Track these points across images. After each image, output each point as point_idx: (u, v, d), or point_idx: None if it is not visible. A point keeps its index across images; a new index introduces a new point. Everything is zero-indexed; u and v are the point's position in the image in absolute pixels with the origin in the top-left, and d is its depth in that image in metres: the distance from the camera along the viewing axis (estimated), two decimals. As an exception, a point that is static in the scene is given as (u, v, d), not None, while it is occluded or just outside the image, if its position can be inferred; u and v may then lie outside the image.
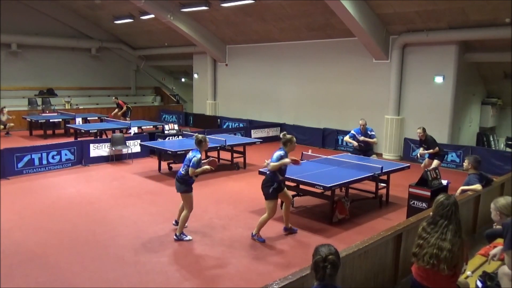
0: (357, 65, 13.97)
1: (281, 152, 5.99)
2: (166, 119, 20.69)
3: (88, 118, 16.43)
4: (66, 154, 10.69)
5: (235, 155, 11.25)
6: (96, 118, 16.81)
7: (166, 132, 12.35)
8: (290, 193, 7.68)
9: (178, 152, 9.69)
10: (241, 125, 16.66)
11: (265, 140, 14.62)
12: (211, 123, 18.10)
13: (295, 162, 6.27)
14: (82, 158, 10.98)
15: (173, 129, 12.60)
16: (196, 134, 6.63)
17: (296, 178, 7.10)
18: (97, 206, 7.71)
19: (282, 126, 16.20)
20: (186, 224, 6.26)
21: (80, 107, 20.03)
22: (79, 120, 15.88)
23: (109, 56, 22.55)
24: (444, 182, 6.98)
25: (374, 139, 9.83)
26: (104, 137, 13.48)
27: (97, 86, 21.96)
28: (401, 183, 9.33)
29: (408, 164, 8.90)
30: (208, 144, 6.53)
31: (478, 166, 6.36)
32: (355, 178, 7.27)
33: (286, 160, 5.97)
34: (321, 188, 6.72)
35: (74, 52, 20.99)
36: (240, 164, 11.09)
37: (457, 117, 12.53)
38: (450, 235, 3.24)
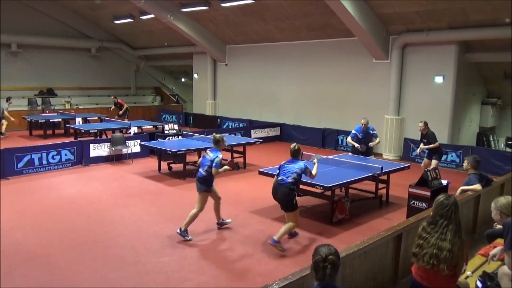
0: (357, 65, 13.97)
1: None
2: (166, 119, 20.69)
3: (88, 118, 16.43)
4: (66, 154, 10.69)
5: (235, 155, 11.24)
6: (96, 118, 16.80)
7: (166, 132, 12.35)
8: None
9: (178, 152, 9.69)
10: (241, 125, 16.66)
11: (265, 140, 14.62)
12: (211, 123, 18.10)
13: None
14: (82, 158, 10.98)
15: (173, 129, 12.60)
16: (214, 133, 6.75)
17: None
18: (97, 206, 7.71)
19: (282, 126, 16.20)
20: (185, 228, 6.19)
21: (80, 107, 20.02)
22: (79, 120, 15.87)
23: (109, 56, 22.55)
24: (444, 182, 6.98)
25: (377, 139, 9.89)
26: (104, 137, 13.48)
27: (97, 86, 21.96)
28: (401, 183, 9.32)
29: (408, 164, 8.90)
30: (226, 144, 6.64)
31: (478, 166, 6.36)
32: (355, 178, 7.27)
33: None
34: (321, 188, 6.72)
35: (74, 52, 20.98)
36: (240, 164, 11.09)
37: (457, 117, 12.53)
38: (450, 235, 3.24)
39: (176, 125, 13.25)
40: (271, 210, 7.58)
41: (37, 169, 10.12)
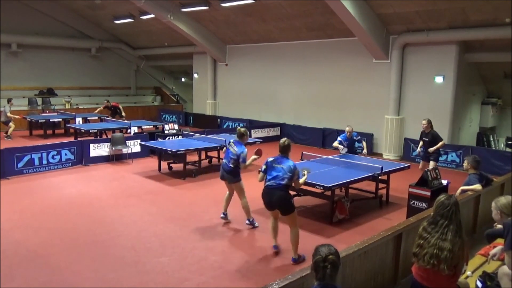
0: (357, 65, 13.97)
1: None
2: (166, 119, 20.69)
3: (88, 118, 16.43)
4: (66, 154, 10.69)
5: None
6: (96, 118, 16.79)
7: (166, 132, 12.36)
8: (290, 193, 7.72)
9: (178, 152, 9.69)
10: (241, 125, 16.63)
11: (265, 140, 14.60)
12: (211, 123, 18.10)
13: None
14: (82, 158, 10.98)
15: (173, 129, 12.60)
16: (238, 127, 6.99)
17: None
18: (97, 206, 7.71)
19: (282, 126, 16.20)
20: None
21: (80, 107, 20.02)
22: (79, 120, 15.87)
23: (109, 56, 22.55)
24: (444, 182, 6.98)
25: (364, 144, 9.69)
26: (104, 137, 13.48)
27: (97, 86, 21.96)
28: (401, 183, 9.33)
29: (408, 164, 8.90)
30: (248, 137, 6.86)
31: (478, 166, 6.36)
32: (355, 178, 7.27)
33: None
34: (321, 188, 6.72)
35: (74, 52, 20.98)
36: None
37: (457, 117, 12.53)
38: (450, 235, 3.24)
39: (176, 125, 13.25)
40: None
41: (37, 169, 10.12)
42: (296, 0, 12.88)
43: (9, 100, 15.50)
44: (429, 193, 6.50)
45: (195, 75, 20.63)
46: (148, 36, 20.42)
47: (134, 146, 11.88)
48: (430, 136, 8.93)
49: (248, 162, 6.33)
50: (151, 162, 11.42)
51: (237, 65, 18.23)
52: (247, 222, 6.70)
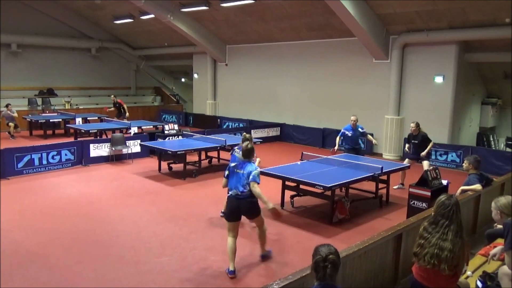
0: (357, 65, 13.97)
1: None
2: (166, 119, 20.70)
3: (88, 118, 16.42)
4: (66, 154, 10.69)
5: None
6: (96, 118, 16.79)
7: (166, 132, 12.35)
8: (290, 193, 7.73)
9: (178, 152, 9.69)
10: (241, 125, 16.66)
11: (265, 140, 14.61)
12: (211, 123, 18.10)
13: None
14: (82, 158, 10.98)
15: (173, 129, 12.60)
16: (244, 133, 7.06)
17: (296, 178, 7.11)
18: (97, 206, 7.71)
19: (282, 126, 16.20)
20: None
21: (80, 107, 20.02)
22: (79, 120, 15.87)
23: (109, 56, 22.55)
24: (444, 182, 6.98)
25: (370, 137, 10.00)
26: (104, 137, 13.48)
27: (97, 86, 21.96)
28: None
29: (408, 164, 8.89)
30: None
31: (478, 166, 6.35)
32: (355, 178, 7.27)
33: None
34: (321, 188, 6.71)
35: (74, 52, 20.98)
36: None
37: (457, 117, 12.53)
38: (451, 235, 3.24)
39: (176, 125, 13.25)
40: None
41: (37, 169, 10.11)
42: (296, 0, 12.88)
43: (7, 105, 15.36)
44: (429, 193, 6.50)
45: (195, 75, 20.63)
46: (148, 36, 20.42)
47: (134, 146, 11.88)
48: (419, 137, 9.01)
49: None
50: (151, 162, 11.42)
51: (237, 65, 18.23)
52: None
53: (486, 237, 5.14)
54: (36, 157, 10.09)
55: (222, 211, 6.77)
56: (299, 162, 8.61)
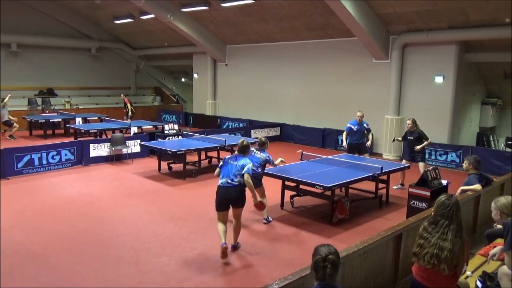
0: (357, 65, 13.97)
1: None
2: (166, 119, 20.69)
3: (88, 118, 16.43)
4: (66, 154, 10.68)
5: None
6: (96, 118, 16.80)
7: (166, 132, 12.35)
8: (290, 193, 7.73)
9: (178, 152, 9.69)
10: (241, 125, 16.66)
11: (265, 140, 14.59)
12: (211, 123, 18.09)
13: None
14: (82, 158, 10.98)
15: (173, 129, 12.60)
16: (260, 137, 7.63)
17: (296, 178, 7.11)
18: (97, 206, 7.71)
19: (282, 126, 16.20)
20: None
21: (80, 107, 20.03)
22: (79, 120, 15.87)
23: (109, 56, 22.55)
24: (444, 182, 6.98)
25: (370, 137, 10.16)
26: (104, 137, 13.48)
27: (97, 86, 21.96)
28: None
29: (408, 164, 8.89)
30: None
31: (478, 166, 6.35)
32: (355, 178, 7.27)
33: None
34: (321, 188, 6.71)
35: (74, 52, 20.98)
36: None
37: (457, 117, 12.53)
38: (451, 235, 3.24)
39: (176, 125, 13.25)
40: (271, 210, 7.58)
41: (37, 169, 10.11)
42: (296, 0, 12.88)
43: (1, 100, 15.21)
44: (429, 193, 6.50)
45: (195, 75, 20.63)
46: (148, 36, 20.42)
47: (134, 146, 11.87)
48: (415, 134, 9.05)
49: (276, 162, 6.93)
50: (151, 162, 11.42)
51: (237, 65, 18.23)
52: (264, 221, 6.94)
53: (486, 237, 5.14)
54: (36, 157, 10.09)
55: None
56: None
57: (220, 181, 5.54)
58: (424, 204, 6.49)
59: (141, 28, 19.30)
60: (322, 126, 14.90)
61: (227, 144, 10.34)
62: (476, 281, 3.85)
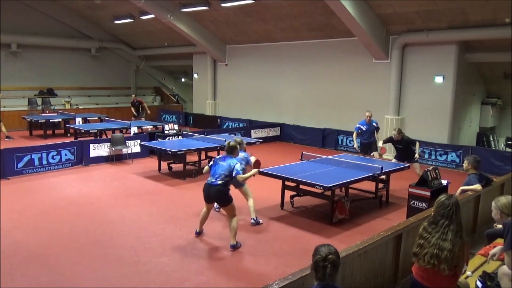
0: (357, 65, 13.97)
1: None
2: (166, 119, 20.69)
3: (88, 118, 16.42)
4: (66, 154, 10.68)
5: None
6: (96, 118, 16.80)
7: (166, 132, 12.35)
8: (290, 193, 7.73)
9: (178, 152, 9.69)
10: (241, 125, 16.66)
11: (265, 140, 14.62)
12: (211, 123, 18.10)
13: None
14: (82, 158, 10.98)
15: (173, 129, 12.60)
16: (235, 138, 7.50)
17: (296, 178, 7.11)
18: (97, 206, 7.71)
19: (282, 126, 16.20)
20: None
21: (80, 107, 20.02)
22: (79, 120, 15.86)
23: (109, 56, 22.54)
24: (444, 182, 6.98)
25: (378, 136, 10.07)
26: (104, 137, 13.48)
27: (97, 86, 21.95)
28: (401, 183, 9.33)
29: (408, 164, 8.89)
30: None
31: (478, 166, 6.35)
32: (355, 178, 7.27)
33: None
34: (321, 188, 6.71)
35: (74, 52, 20.96)
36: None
37: (457, 117, 12.53)
38: (451, 235, 3.24)
39: (176, 125, 13.25)
40: (271, 210, 7.59)
41: (37, 169, 10.11)
42: (296, 0, 12.89)
43: None
44: (429, 193, 6.50)
45: (195, 75, 20.63)
46: (148, 36, 20.41)
47: (134, 146, 11.87)
48: (403, 143, 8.95)
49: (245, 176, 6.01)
50: (151, 162, 11.42)
51: (237, 65, 18.23)
52: (252, 221, 6.85)
53: (486, 237, 5.14)
54: (36, 157, 10.09)
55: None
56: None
57: (207, 179, 5.96)
58: (424, 204, 6.49)
59: (141, 28, 19.30)
60: (322, 126, 14.90)
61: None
62: (476, 281, 3.85)
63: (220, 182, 5.79)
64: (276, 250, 5.87)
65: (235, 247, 5.83)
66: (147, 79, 24.48)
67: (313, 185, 6.77)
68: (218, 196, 5.86)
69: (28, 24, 19.01)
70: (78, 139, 12.57)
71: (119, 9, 17.62)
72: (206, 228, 6.67)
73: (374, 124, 9.98)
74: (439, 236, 3.26)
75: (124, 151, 11.69)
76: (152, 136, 12.61)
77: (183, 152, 9.77)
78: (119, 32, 21.32)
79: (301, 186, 7.42)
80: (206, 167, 6.17)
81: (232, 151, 6.11)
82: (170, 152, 9.90)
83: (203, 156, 10.93)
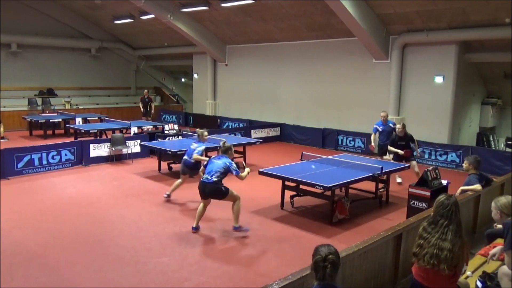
0: (357, 65, 13.97)
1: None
2: (166, 119, 20.68)
3: (88, 118, 16.42)
4: (66, 154, 10.68)
5: (235, 155, 11.19)
6: (96, 118, 16.79)
7: (166, 132, 12.35)
8: (290, 193, 7.73)
9: (178, 152, 9.68)
10: (241, 125, 16.66)
11: (265, 140, 14.61)
12: (211, 123, 18.06)
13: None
14: (82, 158, 10.98)
15: (173, 129, 12.59)
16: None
17: (296, 178, 7.11)
18: (97, 206, 7.71)
19: (282, 126, 16.19)
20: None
21: (80, 107, 20.01)
22: (79, 120, 15.86)
23: (109, 56, 22.54)
24: (444, 182, 6.98)
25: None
26: (104, 137, 13.48)
27: (97, 86, 21.95)
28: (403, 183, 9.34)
29: (408, 164, 8.88)
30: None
31: (478, 166, 6.35)
32: (355, 178, 7.27)
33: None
34: (321, 188, 6.71)
35: (74, 52, 20.97)
36: (240, 165, 11.07)
37: (457, 117, 12.53)
38: (450, 235, 3.24)
39: (176, 125, 13.24)
40: (271, 210, 7.59)
41: (37, 169, 10.11)
42: (296, 0, 12.88)
43: None
44: (429, 193, 6.49)
45: (195, 75, 20.63)
46: (148, 36, 20.41)
47: (134, 147, 11.87)
48: (406, 139, 8.86)
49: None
50: (151, 163, 11.42)
51: (237, 65, 18.22)
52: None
53: (486, 237, 5.14)
54: (36, 157, 10.09)
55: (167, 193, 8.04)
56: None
57: (203, 176, 6.28)
58: (424, 204, 6.49)
59: (141, 28, 19.30)
60: (322, 126, 14.90)
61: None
62: (476, 281, 3.85)
63: (215, 179, 6.11)
64: (276, 250, 5.87)
65: (238, 229, 6.27)
66: (147, 79, 24.48)
67: (313, 185, 6.77)
68: (214, 192, 6.18)
69: (28, 24, 19.02)
70: (78, 139, 12.57)
71: (119, 9, 17.62)
72: (206, 228, 6.67)
73: (391, 124, 9.64)
74: (439, 236, 3.26)
75: (124, 151, 11.69)
76: (152, 136, 12.61)
77: (183, 152, 9.75)
78: (119, 32, 21.32)
79: (301, 186, 7.42)
80: (202, 168, 6.57)
81: (226, 151, 6.43)
82: (170, 152, 9.90)
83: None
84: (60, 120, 16.43)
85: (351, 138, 14.16)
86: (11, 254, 5.54)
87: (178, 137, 12.28)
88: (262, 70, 17.16)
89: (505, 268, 3.68)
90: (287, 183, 7.54)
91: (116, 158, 11.53)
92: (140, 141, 11.82)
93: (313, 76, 15.41)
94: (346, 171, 7.82)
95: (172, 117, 20.85)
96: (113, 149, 11.44)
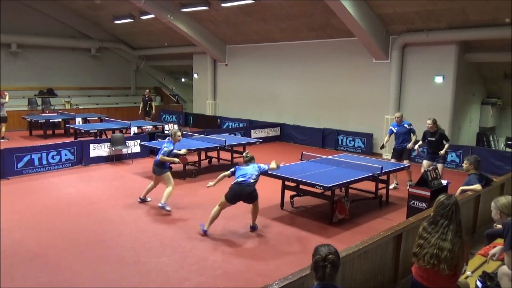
0: (357, 65, 13.97)
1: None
2: (166, 119, 20.68)
3: (88, 118, 16.41)
4: (66, 154, 10.68)
5: (234, 155, 11.23)
6: (96, 118, 16.79)
7: (166, 132, 12.36)
8: (290, 193, 7.73)
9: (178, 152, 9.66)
10: (241, 125, 16.66)
11: (265, 140, 14.62)
12: (211, 123, 18.09)
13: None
14: (82, 158, 10.98)
15: (173, 129, 12.58)
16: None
17: (296, 178, 7.11)
18: (97, 206, 7.71)
19: (282, 126, 16.20)
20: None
21: (80, 107, 20.01)
22: (79, 120, 15.85)
23: (109, 56, 22.55)
24: (444, 182, 6.98)
25: (414, 137, 9.17)
26: (104, 137, 13.48)
27: (97, 86, 21.96)
28: (401, 183, 9.34)
29: (408, 164, 8.89)
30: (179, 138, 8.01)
31: (478, 166, 6.35)
32: (355, 178, 7.27)
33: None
34: (321, 188, 6.71)
35: (74, 52, 20.97)
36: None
37: (457, 117, 12.53)
38: (450, 235, 3.24)
39: (176, 125, 13.26)
40: (271, 210, 7.59)
41: (37, 169, 10.11)
42: (296, 0, 12.88)
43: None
44: (429, 193, 6.49)
45: (195, 75, 20.63)
46: (148, 36, 20.41)
47: (134, 147, 11.87)
48: (437, 135, 8.47)
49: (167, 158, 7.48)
50: (151, 163, 11.31)
51: (237, 65, 18.23)
52: (159, 204, 7.30)
53: (486, 237, 5.14)
54: (36, 157, 10.08)
55: (140, 197, 7.92)
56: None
57: (238, 179, 6.25)
58: (424, 204, 6.49)
59: (141, 28, 19.30)
60: (322, 126, 14.90)
61: (227, 144, 10.35)
62: (476, 281, 3.85)
63: (252, 181, 6.22)
64: (276, 250, 5.87)
65: (254, 229, 6.54)
66: (147, 79, 24.48)
67: (313, 185, 6.77)
68: (251, 194, 6.21)
69: (28, 24, 19.02)
70: (78, 139, 12.57)
71: (119, 9, 17.62)
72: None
73: (406, 125, 9.15)
74: (439, 236, 3.26)
75: (124, 151, 11.69)
76: (152, 136, 12.61)
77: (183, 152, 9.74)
78: (119, 32, 21.32)
79: (301, 186, 7.42)
80: (228, 173, 6.46)
81: (251, 160, 6.61)
82: (170, 152, 9.87)
83: (203, 156, 10.94)
84: (60, 120, 16.43)
85: (351, 138, 14.17)
86: (11, 254, 5.54)
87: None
88: (262, 70, 17.16)
89: (505, 268, 3.68)
90: (287, 183, 7.55)
91: (116, 158, 11.53)
92: (140, 141, 11.82)
93: (313, 76, 15.41)
94: (346, 171, 7.82)
95: (172, 117, 20.85)
96: (113, 149, 11.44)
